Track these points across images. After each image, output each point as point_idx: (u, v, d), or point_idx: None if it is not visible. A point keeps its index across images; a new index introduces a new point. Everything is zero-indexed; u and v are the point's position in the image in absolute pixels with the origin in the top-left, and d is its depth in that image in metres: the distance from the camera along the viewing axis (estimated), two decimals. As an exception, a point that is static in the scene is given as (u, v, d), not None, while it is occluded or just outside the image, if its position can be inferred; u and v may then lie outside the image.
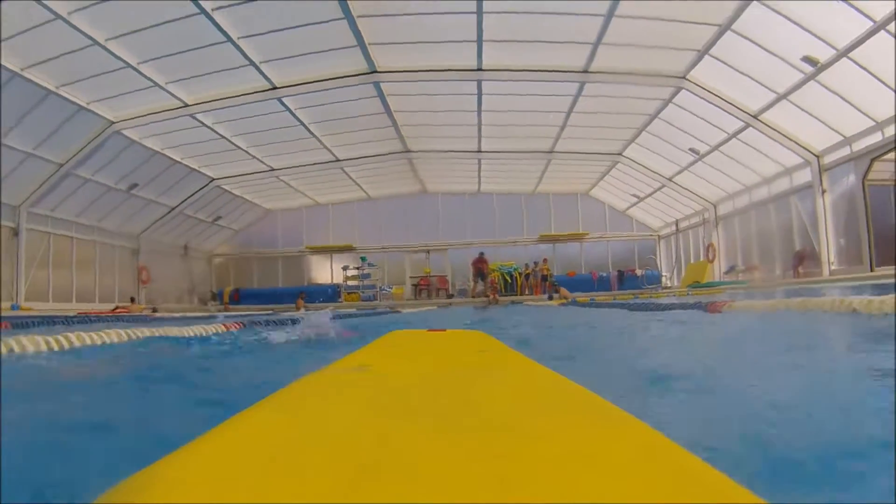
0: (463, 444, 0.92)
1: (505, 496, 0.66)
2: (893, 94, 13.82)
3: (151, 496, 0.68)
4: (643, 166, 25.93)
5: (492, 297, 24.69)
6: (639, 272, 30.48)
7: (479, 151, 26.14)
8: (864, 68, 14.00)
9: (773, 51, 15.16)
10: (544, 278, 30.07)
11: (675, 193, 27.04)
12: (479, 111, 21.43)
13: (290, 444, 0.91)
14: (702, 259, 27.00)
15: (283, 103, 19.99)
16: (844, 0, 12.60)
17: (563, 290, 23.22)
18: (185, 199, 27.51)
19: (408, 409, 1.24)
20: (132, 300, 24.66)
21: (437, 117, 22.60)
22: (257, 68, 17.67)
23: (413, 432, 0.99)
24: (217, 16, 14.75)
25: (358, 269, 32.84)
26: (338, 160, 26.65)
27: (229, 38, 15.79)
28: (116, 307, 23.33)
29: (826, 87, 15.41)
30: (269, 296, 30.12)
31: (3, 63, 15.25)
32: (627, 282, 30.09)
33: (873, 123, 15.66)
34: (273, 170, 27.04)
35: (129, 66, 16.65)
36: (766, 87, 16.89)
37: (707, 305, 8.73)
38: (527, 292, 30.00)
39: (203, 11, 14.42)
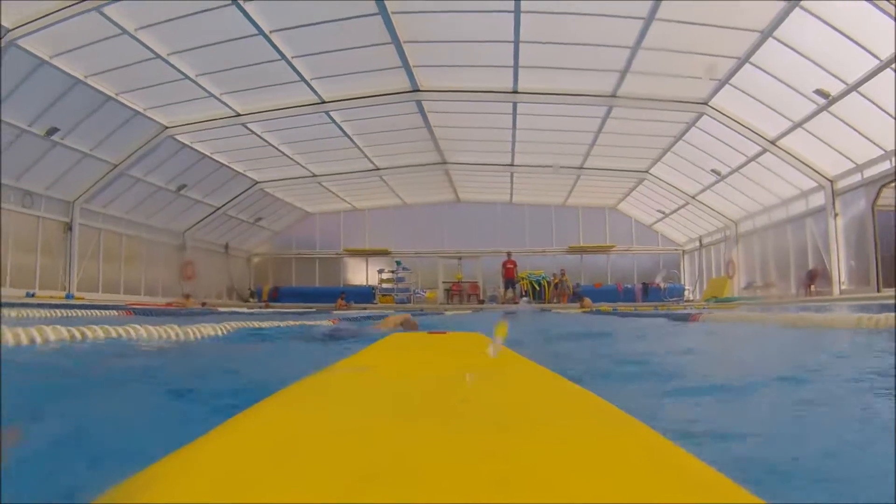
0: (464, 444, 0.91)
1: (506, 497, 0.66)
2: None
3: (152, 496, 0.68)
4: (668, 184, 26.59)
5: (513, 298, 25.36)
6: (662, 285, 31.14)
7: (512, 165, 26.89)
8: (873, 101, 14.73)
9: (788, 82, 15.92)
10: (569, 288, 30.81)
11: (698, 211, 27.60)
12: (514, 128, 22.25)
13: (290, 445, 0.90)
14: (722, 274, 27.54)
15: (329, 116, 20.97)
16: (851, 39, 13.30)
17: (587, 300, 23.78)
18: (230, 201, 28.52)
19: (408, 410, 1.22)
20: (187, 297, 25.55)
21: (473, 133, 23.47)
22: (308, 84, 18.62)
23: (414, 433, 0.98)
24: (275, 37, 15.76)
25: (393, 272, 33.48)
26: (377, 169, 27.49)
27: (284, 57, 16.81)
28: (170, 303, 24.21)
29: (838, 118, 16.13)
30: (308, 295, 30.82)
31: (68, 70, 16.29)
32: (651, 294, 30.60)
33: (882, 152, 16.35)
34: (315, 175, 27.92)
35: (187, 77, 17.64)
36: (783, 115, 17.58)
37: (689, 316, 10.80)
38: (555, 301, 30.48)
39: (262, 33, 15.43)
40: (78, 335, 4.78)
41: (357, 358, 2.21)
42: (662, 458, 0.85)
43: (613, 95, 18.91)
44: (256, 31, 15.38)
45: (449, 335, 3.49)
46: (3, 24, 14.12)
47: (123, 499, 0.70)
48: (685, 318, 10.85)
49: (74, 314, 11.45)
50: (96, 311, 12.64)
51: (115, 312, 12.37)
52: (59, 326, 4.74)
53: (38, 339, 4.40)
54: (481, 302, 32.02)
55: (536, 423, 1.09)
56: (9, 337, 4.16)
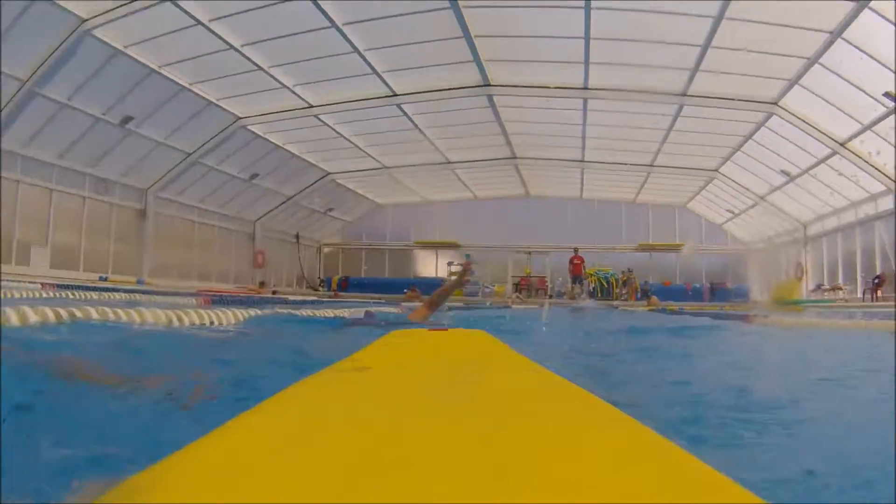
0: (463, 443, 0.91)
1: (505, 496, 0.66)
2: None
3: (151, 497, 0.68)
4: (738, 184, 26.02)
5: (580, 294, 25.19)
6: (730, 285, 30.56)
7: (583, 161, 26.47)
8: None
9: (857, 84, 15.46)
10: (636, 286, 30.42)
11: (767, 211, 27.05)
12: (584, 124, 21.95)
13: (290, 445, 0.90)
14: (791, 277, 26.91)
15: (401, 108, 20.86)
16: None
17: (654, 298, 23.52)
18: (301, 191, 28.72)
19: (408, 408, 1.22)
20: (262, 284, 25.76)
21: (544, 128, 23.13)
22: (380, 77, 18.53)
23: (413, 432, 0.98)
24: (347, 30, 15.64)
25: (461, 265, 32.96)
26: (449, 162, 27.38)
27: (356, 50, 16.75)
28: (242, 288, 24.48)
29: None
30: (377, 285, 30.77)
31: (142, 60, 16.49)
32: (718, 295, 29.95)
33: None
34: (387, 167, 27.89)
35: (260, 68, 17.68)
36: (852, 117, 17.11)
37: (744, 318, 10.96)
38: (623, 298, 29.98)
39: (334, 25, 15.35)
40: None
41: (358, 357, 2.12)
42: (662, 458, 0.86)
43: (684, 94, 18.56)
44: (329, 24, 15.30)
45: (451, 332, 3.48)
46: (78, 14, 14.21)
47: (122, 499, 0.70)
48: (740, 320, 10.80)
49: (148, 299, 11.48)
50: (170, 297, 12.68)
51: (193, 300, 12.44)
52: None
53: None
54: (549, 296, 31.50)
55: (536, 421, 1.10)
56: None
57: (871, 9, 12.61)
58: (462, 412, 1.15)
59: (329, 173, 28.09)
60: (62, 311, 4.58)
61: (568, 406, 1.31)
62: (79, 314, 4.68)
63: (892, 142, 16.72)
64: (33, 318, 4.30)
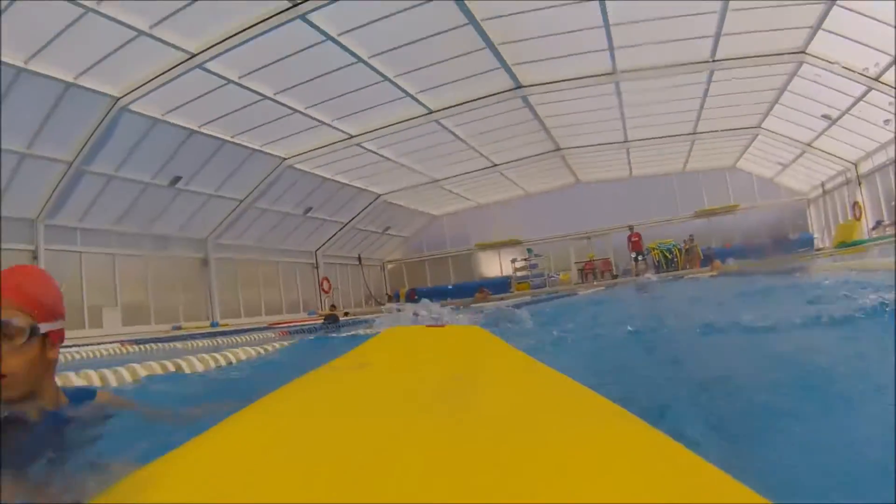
0: (461, 440, 0.90)
1: (503, 492, 0.66)
2: None
3: (151, 495, 0.68)
4: (782, 135, 25.52)
5: (644, 269, 25.78)
6: (792, 236, 30.28)
7: (627, 142, 26.43)
8: None
9: (879, 18, 14.90)
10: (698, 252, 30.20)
11: (816, 157, 26.40)
12: (621, 106, 21.94)
13: (289, 443, 0.90)
14: (849, 218, 26.28)
15: (440, 124, 21.04)
16: None
17: (716, 262, 23.38)
18: (356, 216, 29.18)
19: (406, 405, 1.22)
20: (332, 307, 26.23)
21: (582, 116, 23.08)
22: (414, 98, 18.73)
23: (412, 429, 0.97)
24: (374, 62, 15.89)
25: (525, 259, 33.55)
26: (495, 165, 27.45)
27: (386, 78, 16.98)
28: (318, 314, 25.01)
29: None
30: (444, 292, 31.04)
31: (181, 124, 16.96)
32: (783, 247, 29.20)
33: None
34: (436, 180, 28.13)
35: (296, 111, 17.99)
36: (880, 51, 16.53)
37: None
38: (687, 266, 29.66)
39: (361, 60, 15.58)
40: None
41: (355, 354, 2.20)
42: (662, 455, 0.85)
43: (712, 60, 18.43)
44: (355, 60, 15.52)
45: (447, 328, 3.52)
46: (111, 94, 14.64)
47: (121, 499, 0.70)
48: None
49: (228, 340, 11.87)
50: (249, 334, 13.06)
51: (271, 333, 12.83)
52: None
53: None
54: (615, 277, 31.61)
55: (534, 417, 1.09)
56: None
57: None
58: (461, 411, 1.15)
59: (380, 195, 28.45)
60: (168, 364, 4.76)
61: (565, 403, 1.30)
62: (184, 364, 4.85)
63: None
64: (142, 372, 4.45)
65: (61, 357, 2.06)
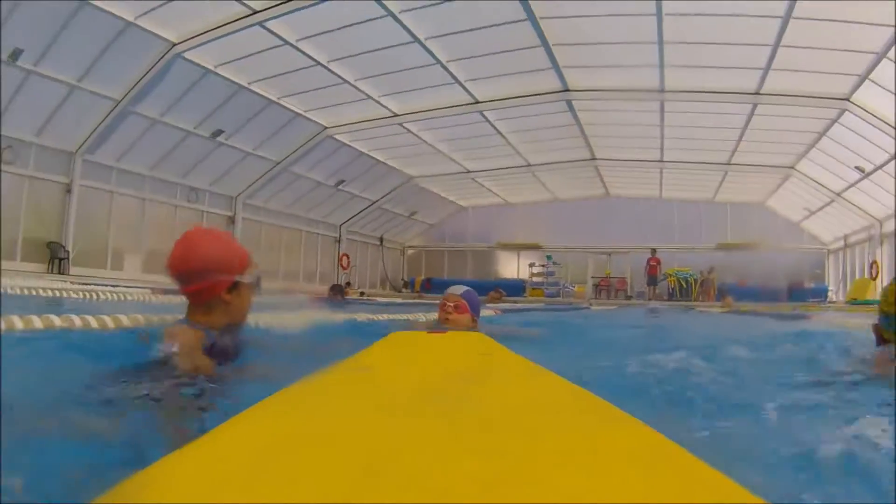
0: (463, 445, 0.91)
1: (505, 497, 0.67)
2: None
3: (150, 497, 0.68)
4: (813, 180, 25.53)
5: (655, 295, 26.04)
6: (808, 285, 30.21)
7: (661, 161, 26.41)
8: None
9: None
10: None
11: (844, 209, 26.34)
12: (662, 125, 22.01)
13: (290, 446, 0.90)
14: (865, 276, 26.22)
15: (483, 115, 21.23)
16: None
17: (728, 299, 23.05)
18: (386, 195, 29.33)
19: (408, 410, 1.22)
20: (348, 284, 26.42)
21: (622, 130, 23.32)
22: (462, 86, 18.91)
23: (413, 433, 0.98)
24: (430, 44, 16.13)
25: (543, 266, 33.55)
26: (529, 165, 27.59)
27: (439, 62, 17.20)
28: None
29: None
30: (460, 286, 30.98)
31: (232, 78, 17.22)
32: (795, 294, 28.94)
33: None
34: (469, 171, 28.29)
35: (346, 82, 18.24)
36: None
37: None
38: (700, 298, 29.68)
39: (417, 40, 15.81)
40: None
41: (357, 358, 2.16)
42: (663, 459, 0.86)
43: (757, 93, 18.54)
44: (412, 39, 15.76)
45: (450, 335, 3.41)
46: (169, 38, 14.78)
47: (123, 499, 0.70)
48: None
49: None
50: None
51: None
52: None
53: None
54: (628, 298, 31.62)
55: (536, 422, 1.11)
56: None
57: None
58: (463, 416, 1.14)
59: (413, 177, 28.62)
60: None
61: (569, 408, 1.32)
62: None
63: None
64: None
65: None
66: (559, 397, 1.44)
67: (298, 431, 1.00)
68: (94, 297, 10.13)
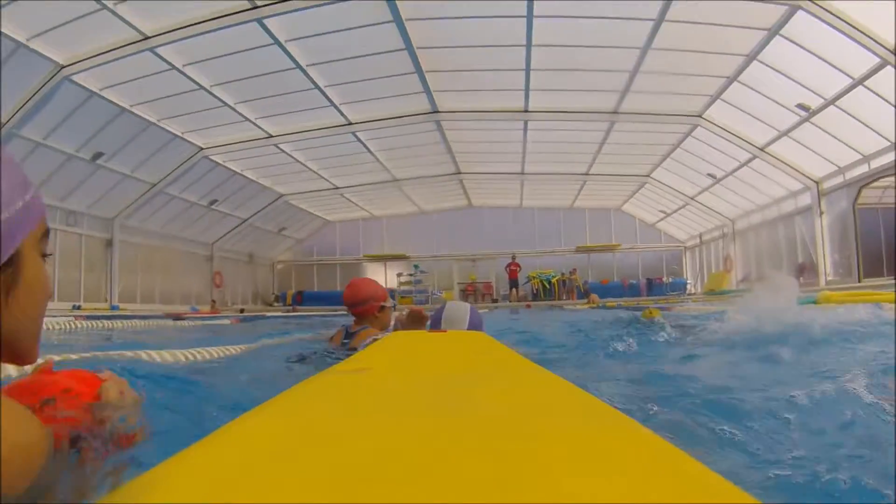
0: (464, 445, 0.88)
1: (505, 497, 0.65)
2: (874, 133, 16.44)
3: (153, 498, 0.68)
4: (669, 186, 28.01)
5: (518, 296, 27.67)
6: (666, 280, 33.24)
7: (523, 174, 28.42)
8: (849, 113, 16.34)
9: (773, 98, 17.38)
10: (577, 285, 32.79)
11: (697, 210, 29.05)
12: (525, 141, 23.82)
13: (290, 448, 0.88)
14: (721, 269, 29.05)
15: (355, 135, 22.41)
16: (826, 61, 14.96)
17: (593, 296, 24.97)
18: (256, 213, 29.96)
19: (408, 410, 1.20)
20: (213, 303, 26.59)
21: (487, 146, 25.12)
22: (337, 108, 20.02)
23: (413, 434, 0.96)
24: (311, 70, 17.26)
25: (411, 275, 34.95)
26: (396, 179, 28.91)
27: (317, 87, 18.32)
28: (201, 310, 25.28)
29: (819, 127, 17.69)
30: (330, 298, 31.44)
31: (115, 101, 17.64)
32: (655, 289, 32.28)
33: (861, 157, 17.96)
34: (338, 188, 29.33)
35: (226, 105, 18.98)
36: (769, 126, 19.01)
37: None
38: (564, 297, 32.15)
39: (299, 67, 16.86)
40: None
41: (356, 359, 2.16)
42: (662, 461, 0.83)
43: (615, 112, 20.46)
44: (295, 66, 16.78)
45: (450, 334, 3.33)
46: (57, 60, 15.14)
47: (125, 499, 0.70)
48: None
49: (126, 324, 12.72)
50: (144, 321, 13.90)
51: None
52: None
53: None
54: (494, 301, 33.59)
55: (537, 423, 1.07)
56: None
57: (781, 35, 14.55)
58: (464, 417, 1.12)
59: (283, 195, 29.32)
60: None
61: (569, 409, 1.27)
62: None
63: (808, 146, 18.93)
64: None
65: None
66: (559, 397, 1.41)
67: (300, 432, 1.00)
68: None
